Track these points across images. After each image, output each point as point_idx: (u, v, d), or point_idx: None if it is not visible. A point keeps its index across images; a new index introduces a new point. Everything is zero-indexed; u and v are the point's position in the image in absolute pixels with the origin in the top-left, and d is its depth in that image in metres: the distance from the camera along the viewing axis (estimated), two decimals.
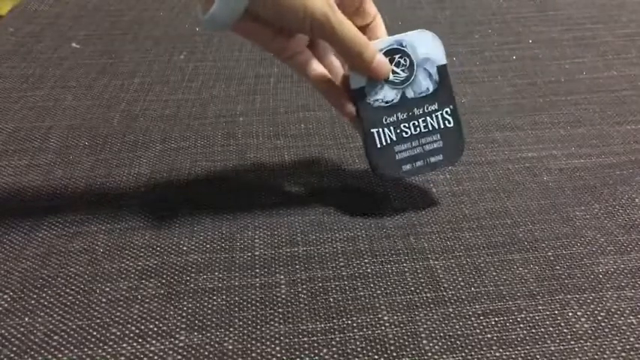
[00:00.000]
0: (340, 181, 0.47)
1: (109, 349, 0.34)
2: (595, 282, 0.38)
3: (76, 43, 0.69)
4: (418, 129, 0.41)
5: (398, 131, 0.41)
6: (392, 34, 0.41)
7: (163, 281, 0.39)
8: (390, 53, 0.40)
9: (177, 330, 0.35)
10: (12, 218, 0.43)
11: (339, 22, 0.37)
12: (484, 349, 0.34)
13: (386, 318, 0.36)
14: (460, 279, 0.39)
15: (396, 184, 0.47)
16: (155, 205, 0.45)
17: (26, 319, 0.36)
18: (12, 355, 0.34)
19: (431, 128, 0.41)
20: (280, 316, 0.36)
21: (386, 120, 0.41)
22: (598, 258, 0.40)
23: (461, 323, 0.36)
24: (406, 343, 0.34)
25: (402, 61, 0.41)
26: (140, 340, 0.35)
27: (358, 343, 0.35)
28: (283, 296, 0.38)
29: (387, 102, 0.41)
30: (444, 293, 0.38)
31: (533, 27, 0.72)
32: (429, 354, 0.34)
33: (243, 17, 0.36)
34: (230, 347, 0.34)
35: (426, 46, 0.41)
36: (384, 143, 0.41)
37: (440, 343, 0.34)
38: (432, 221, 0.43)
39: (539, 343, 0.34)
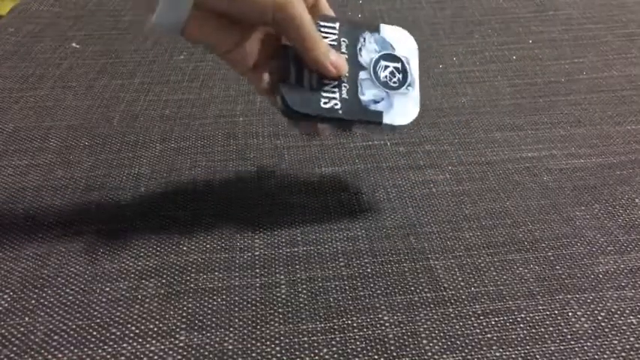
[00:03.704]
0: (340, 181, 0.47)
1: (109, 349, 0.34)
2: (595, 282, 0.38)
3: (76, 43, 0.69)
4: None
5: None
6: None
7: (163, 281, 0.39)
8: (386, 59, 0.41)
9: (177, 330, 0.35)
10: (12, 218, 0.43)
11: (302, 11, 0.36)
12: (484, 349, 0.34)
13: (386, 318, 0.36)
14: (460, 279, 0.39)
15: (397, 184, 0.47)
16: (155, 205, 0.45)
17: (26, 319, 0.36)
18: (12, 355, 0.34)
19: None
20: (280, 316, 0.36)
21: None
22: (598, 258, 0.40)
23: (461, 323, 0.36)
24: (406, 343, 0.34)
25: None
26: (140, 340, 0.35)
27: (358, 343, 0.35)
28: (283, 296, 0.38)
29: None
30: (444, 293, 0.38)
31: (533, 27, 0.72)
32: (429, 354, 0.34)
33: (193, 14, 0.34)
34: (230, 347, 0.34)
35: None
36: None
37: (440, 343, 0.34)
38: (432, 221, 0.43)
39: (539, 343, 0.34)
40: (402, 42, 0.41)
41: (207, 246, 0.41)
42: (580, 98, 0.58)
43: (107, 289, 0.38)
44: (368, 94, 0.39)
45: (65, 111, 0.56)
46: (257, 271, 0.39)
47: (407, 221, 0.43)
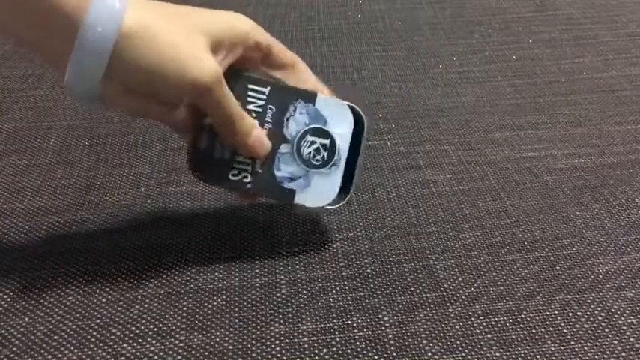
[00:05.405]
0: None
1: (109, 349, 0.34)
2: (595, 282, 0.38)
3: None
4: None
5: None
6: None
7: (163, 281, 0.39)
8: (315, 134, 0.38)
9: (177, 330, 0.35)
10: (12, 218, 0.43)
11: (223, 95, 0.34)
12: (484, 349, 0.34)
13: (386, 318, 0.36)
14: (460, 279, 0.39)
15: (396, 184, 0.47)
16: (155, 205, 0.45)
17: (26, 319, 0.36)
18: (12, 355, 0.34)
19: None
20: (280, 316, 0.36)
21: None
22: (598, 258, 0.40)
23: (461, 323, 0.36)
24: (406, 343, 0.34)
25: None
26: (140, 340, 0.35)
27: (358, 343, 0.35)
28: (283, 296, 0.38)
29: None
30: (444, 293, 0.38)
31: (533, 27, 0.72)
32: (429, 354, 0.34)
33: (109, 88, 0.32)
34: (230, 347, 0.34)
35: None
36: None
37: (440, 343, 0.34)
38: (432, 221, 0.43)
39: (539, 343, 0.34)
40: (339, 118, 0.38)
41: (207, 246, 0.41)
42: (580, 98, 0.58)
43: (107, 289, 0.38)
44: (284, 170, 0.38)
45: (65, 111, 0.56)
46: (257, 271, 0.39)
47: (407, 221, 0.43)
